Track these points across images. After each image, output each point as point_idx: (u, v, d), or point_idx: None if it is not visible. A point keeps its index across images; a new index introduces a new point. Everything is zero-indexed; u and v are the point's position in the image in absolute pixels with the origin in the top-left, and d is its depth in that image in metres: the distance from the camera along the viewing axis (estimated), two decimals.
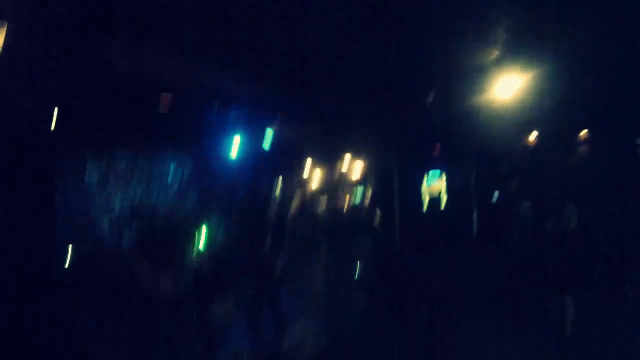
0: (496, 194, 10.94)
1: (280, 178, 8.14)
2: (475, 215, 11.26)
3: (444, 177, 11.56)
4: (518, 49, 7.39)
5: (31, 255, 4.28)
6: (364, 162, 13.35)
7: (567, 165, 10.06)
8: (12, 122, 4.18)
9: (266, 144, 10.25)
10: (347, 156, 13.51)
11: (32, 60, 4.45)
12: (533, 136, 11.45)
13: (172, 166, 9.65)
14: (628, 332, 6.31)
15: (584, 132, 10.72)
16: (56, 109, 5.55)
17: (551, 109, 9.29)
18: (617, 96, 8.76)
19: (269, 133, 10.01)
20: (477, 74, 8.18)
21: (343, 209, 12.90)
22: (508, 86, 7.89)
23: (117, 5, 5.43)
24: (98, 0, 5.17)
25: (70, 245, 6.92)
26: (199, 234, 8.81)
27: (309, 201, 12.57)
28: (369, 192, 12.66)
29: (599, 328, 6.52)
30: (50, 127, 5.13)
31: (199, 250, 8.48)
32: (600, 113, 9.51)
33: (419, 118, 10.21)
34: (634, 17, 6.38)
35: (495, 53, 7.66)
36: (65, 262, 6.69)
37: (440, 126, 10.73)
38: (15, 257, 4.04)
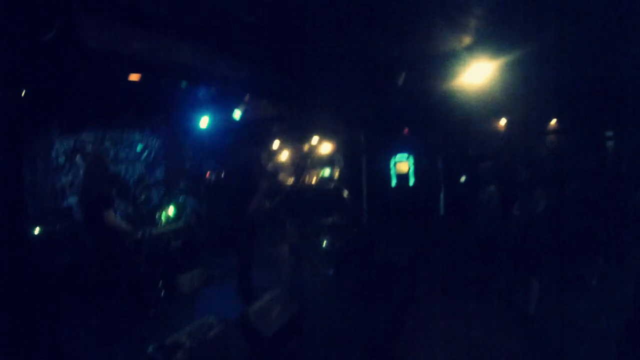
0: (464, 176, 11.12)
1: (250, 154, 8.22)
2: (442, 195, 11.47)
3: (411, 158, 11.74)
4: (489, 37, 7.43)
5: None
6: (333, 142, 13.51)
7: (535, 150, 10.33)
8: None
9: (235, 121, 10.33)
10: (317, 135, 13.72)
11: None
12: (503, 121, 11.67)
13: (141, 142, 9.76)
14: (590, 314, 6.51)
15: (553, 120, 10.96)
16: (24, 88, 5.59)
17: (521, 96, 9.41)
18: (586, 86, 8.87)
19: (238, 111, 10.06)
20: (448, 60, 8.21)
21: (312, 184, 13.13)
22: (479, 72, 7.92)
23: None
24: None
25: (39, 220, 7.03)
26: (169, 208, 8.94)
27: (278, 177, 12.78)
28: (338, 171, 12.85)
29: (562, 310, 6.72)
30: (17, 104, 5.16)
31: (168, 223, 8.61)
32: (570, 102, 9.66)
33: (389, 100, 10.31)
34: (605, 9, 6.50)
35: (466, 40, 7.71)
36: (34, 237, 6.79)
37: (409, 109, 10.88)
38: None
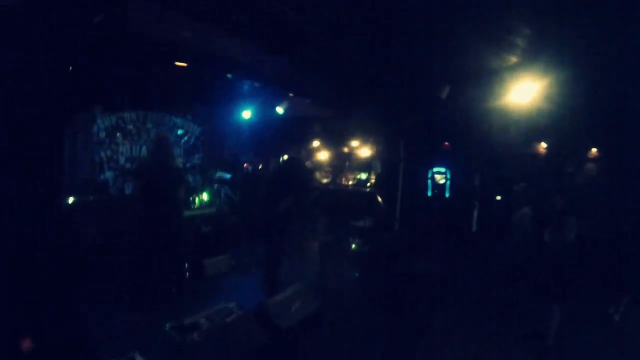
0: (499, 196, 10.95)
1: (288, 151, 8.26)
2: (475, 212, 11.29)
3: (448, 173, 11.61)
4: (534, 56, 7.27)
5: (39, 204, 4.47)
6: (373, 147, 13.47)
7: (572, 178, 10.05)
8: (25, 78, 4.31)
9: (277, 116, 10.43)
10: (357, 139, 13.72)
11: (46, 15, 4.56)
12: (542, 145, 11.43)
13: (182, 127, 9.92)
14: (609, 348, 6.38)
15: (593, 149, 10.68)
16: (71, 66, 5.75)
17: (563, 121, 9.20)
18: (629, 121, 8.63)
19: (281, 107, 10.14)
20: (492, 78, 8.08)
21: (348, 186, 13.12)
22: (522, 93, 7.77)
23: None
24: None
25: (75, 192, 7.24)
26: (203, 193, 9.11)
27: (315, 174, 12.80)
28: (374, 176, 12.79)
29: (580, 340, 6.57)
30: (63, 81, 5.30)
31: (201, 208, 8.77)
32: (612, 130, 9.39)
33: (431, 113, 10.23)
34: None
35: (512, 59, 7.57)
36: (70, 207, 6.98)
37: (451, 124, 10.77)
38: (21, 204, 4.21)
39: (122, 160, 8.64)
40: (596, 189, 8.73)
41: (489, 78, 8.03)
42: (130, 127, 8.85)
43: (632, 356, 6.08)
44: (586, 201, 8.12)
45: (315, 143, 14.00)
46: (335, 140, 13.81)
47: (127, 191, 8.63)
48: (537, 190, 8.70)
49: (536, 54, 7.05)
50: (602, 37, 6.47)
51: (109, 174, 8.40)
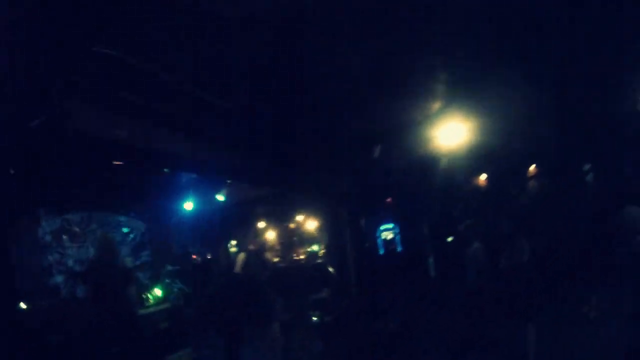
0: (450, 237, 11.20)
1: (234, 236, 8.32)
2: (431, 259, 11.46)
3: (397, 227, 11.85)
4: (459, 100, 7.68)
5: None
6: (317, 219, 13.64)
7: (516, 200, 10.46)
8: None
9: (219, 203, 10.48)
10: (301, 213, 13.89)
11: None
12: (482, 177, 11.87)
13: (126, 225, 9.84)
14: (591, 350, 6.49)
15: (530, 168, 11.17)
16: (12, 169, 5.70)
17: (496, 151, 9.62)
18: (558, 132, 9.05)
19: (221, 194, 10.24)
20: (419, 128, 8.45)
21: (299, 261, 13.09)
22: (453, 134, 8.17)
23: (72, 71, 5.66)
24: (53, 66, 5.38)
25: (24, 299, 6.96)
26: (155, 289, 8.95)
27: (264, 256, 12.73)
28: (323, 247, 12.88)
29: (564, 348, 6.66)
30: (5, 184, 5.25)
31: (156, 304, 8.59)
32: (544, 149, 9.86)
33: (367, 175, 10.51)
34: (568, 60, 6.77)
35: (436, 105, 7.97)
36: (21, 314, 6.67)
37: (390, 179, 11.09)
38: None
39: (70, 262, 8.44)
40: (541, 203, 9.13)
41: (416, 128, 8.42)
42: (76, 228, 8.77)
43: (615, 344, 6.21)
44: (534, 217, 8.47)
45: (261, 224, 14.06)
46: (280, 217, 13.92)
47: (79, 294, 8.39)
48: (485, 222, 8.99)
49: (458, 98, 7.51)
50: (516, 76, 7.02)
51: (59, 278, 8.19)
